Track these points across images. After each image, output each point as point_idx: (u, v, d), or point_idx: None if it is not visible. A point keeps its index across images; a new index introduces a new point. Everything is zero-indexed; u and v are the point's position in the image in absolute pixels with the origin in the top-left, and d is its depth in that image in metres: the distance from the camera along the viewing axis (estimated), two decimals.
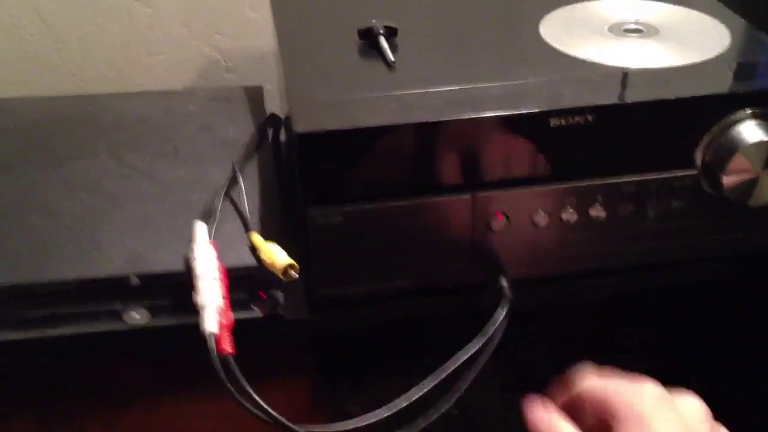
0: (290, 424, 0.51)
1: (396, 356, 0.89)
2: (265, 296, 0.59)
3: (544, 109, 0.56)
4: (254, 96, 0.79)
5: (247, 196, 0.63)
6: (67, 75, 0.88)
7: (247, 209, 0.62)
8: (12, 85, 0.89)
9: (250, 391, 0.51)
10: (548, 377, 0.52)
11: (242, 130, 0.72)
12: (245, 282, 0.59)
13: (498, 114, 0.56)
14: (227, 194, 0.64)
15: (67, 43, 0.86)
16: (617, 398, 0.47)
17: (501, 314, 0.57)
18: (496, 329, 0.57)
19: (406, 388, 0.54)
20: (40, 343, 0.57)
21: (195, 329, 0.53)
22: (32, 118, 0.74)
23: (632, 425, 0.45)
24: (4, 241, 0.59)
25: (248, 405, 0.51)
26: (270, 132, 0.74)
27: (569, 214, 0.59)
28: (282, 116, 0.73)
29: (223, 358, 0.52)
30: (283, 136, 0.75)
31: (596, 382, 0.49)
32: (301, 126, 0.55)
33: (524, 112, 0.56)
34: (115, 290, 0.57)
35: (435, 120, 0.55)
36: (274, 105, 0.83)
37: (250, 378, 0.52)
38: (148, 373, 0.66)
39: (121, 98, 0.79)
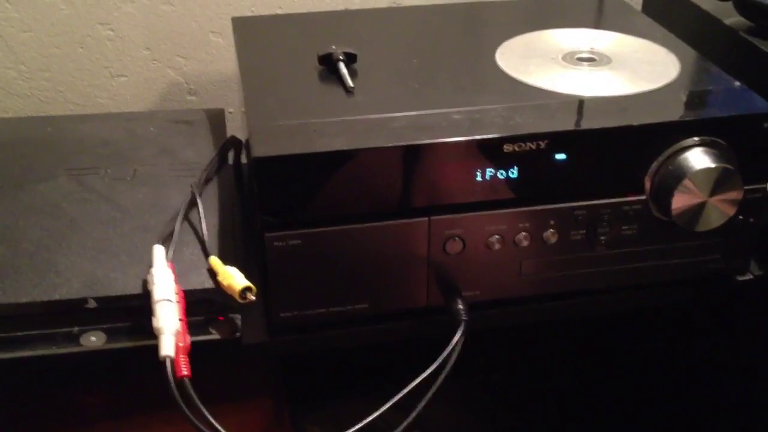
0: None
1: (357, 378, 0.90)
2: (223, 319, 0.59)
3: (498, 135, 0.57)
4: (215, 119, 0.79)
5: (206, 219, 0.63)
6: (29, 97, 0.87)
7: (205, 232, 0.62)
8: None
9: (206, 413, 0.51)
10: (508, 395, 0.53)
11: (202, 152, 0.72)
12: (204, 305, 0.59)
13: (453, 140, 0.57)
14: (186, 217, 0.64)
15: (30, 65, 0.86)
16: None
17: (457, 336, 0.58)
18: (452, 351, 0.58)
19: (367, 410, 0.55)
20: None
21: (153, 351, 0.53)
22: None
23: None
24: None
25: (204, 428, 0.51)
26: (231, 155, 0.74)
27: (523, 238, 0.61)
28: (243, 139, 0.74)
29: (179, 381, 0.52)
30: (244, 159, 0.75)
31: None
32: (259, 150, 0.55)
33: (479, 138, 0.57)
34: (72, 313, 0.57)
35: (391, 145, 0.56)
36: (236, 128, 0.84)
37: (210, 401, 0.52)
38: (111, 395, 0.65)
39: (81, 120, 0.79)
